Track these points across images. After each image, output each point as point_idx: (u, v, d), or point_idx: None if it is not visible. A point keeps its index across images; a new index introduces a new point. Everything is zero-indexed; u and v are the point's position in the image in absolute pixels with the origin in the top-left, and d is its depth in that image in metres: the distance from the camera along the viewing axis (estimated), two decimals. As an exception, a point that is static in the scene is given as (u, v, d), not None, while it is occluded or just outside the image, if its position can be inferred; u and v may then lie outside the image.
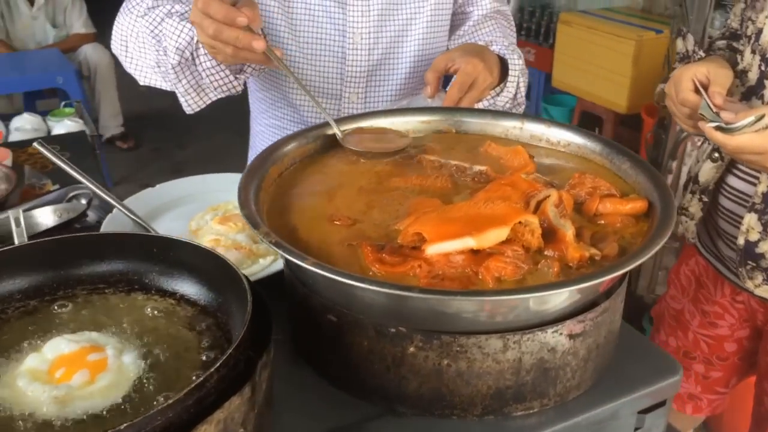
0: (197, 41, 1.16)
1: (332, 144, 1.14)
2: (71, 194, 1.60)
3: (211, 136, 5.14)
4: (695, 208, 1.50)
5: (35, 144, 1.12)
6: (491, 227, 0.82)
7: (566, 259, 0.83)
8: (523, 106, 1.46)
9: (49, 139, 2.55)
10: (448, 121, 1.20)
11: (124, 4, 1.31)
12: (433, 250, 0.81)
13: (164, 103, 5.64)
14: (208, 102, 1.27)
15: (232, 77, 1.21)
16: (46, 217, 1.50)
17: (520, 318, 0.81)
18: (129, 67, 1.33)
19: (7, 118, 3.09)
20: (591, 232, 0.89)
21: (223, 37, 1.05)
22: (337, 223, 0.93)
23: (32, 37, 4.72)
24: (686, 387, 1.69)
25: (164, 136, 5.18)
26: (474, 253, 0.82)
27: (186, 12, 1.21)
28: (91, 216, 1.57)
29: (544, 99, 4.74)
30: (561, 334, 0.82)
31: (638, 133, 4.14)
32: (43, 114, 3.23)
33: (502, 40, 1.44)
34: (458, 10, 1.52)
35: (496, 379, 0.82)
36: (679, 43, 1.60)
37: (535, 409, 0.86)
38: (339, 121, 1.17)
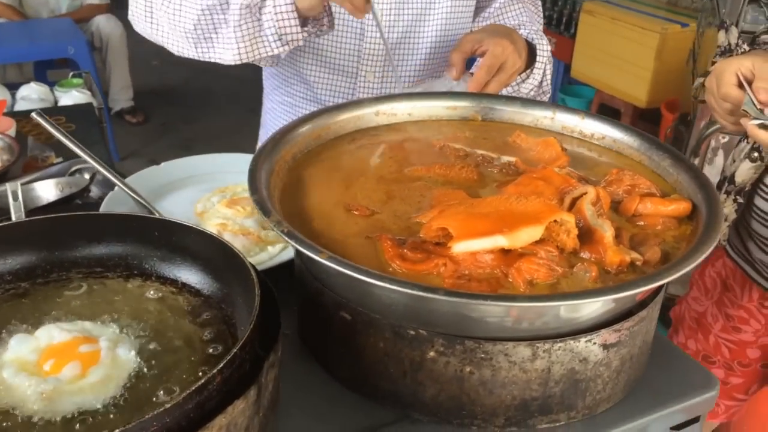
0: None
1: (350, 128, 1.07)
2: (74, 168, 1.54)
3: (221, 114, 5.07)
4: (729, 209, 1.43)
5: (33, 114, 1.05)
6: (524, 225, 0.75)
7: (604, 263, 0.76)
8: (549, 95, 1.39)
9: (55, 110, 2.49)
10: (474, 108, 1.13)
11: None
12: (460, 248, 0.74)
13: (176, 79, 5.61)
14: (257, 57, 1.20)
15: (299, 26, 1.14)
16: (47, 190, 1.44)
17: (549, 325, 0.74)
18: (154, 35, 1.25)
19: (14, 87, 3.02)
20: (630, 234, 0.82)
21: None
22: (355, 212, 0.87)
23: (45, 5, 4.64)
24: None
25: (174, 111, 5.12)
26: (504, 252, 0.75)
27: None
28: (94, 191, 1.52)
29: (562, 89, 4.64)
30: (594, 343, 0.75)
31: (657, 127, 4.06)
32: (53, 84, 3.16)
33: (530, 24, 1.37)
34: None
35: (522, 390, 0.75)
36: (721, 35, 1.51)
37: (561, 422, 0.79)
38: (354, 104, 1.09)
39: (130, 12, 1.28)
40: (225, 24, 1.18)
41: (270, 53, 1.19)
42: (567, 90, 4.65)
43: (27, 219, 0.84)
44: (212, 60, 1.22)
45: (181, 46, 1.23)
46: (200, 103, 5.26)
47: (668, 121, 3.92)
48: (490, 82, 1.18)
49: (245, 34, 1.16)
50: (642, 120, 4.22)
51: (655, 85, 3.96)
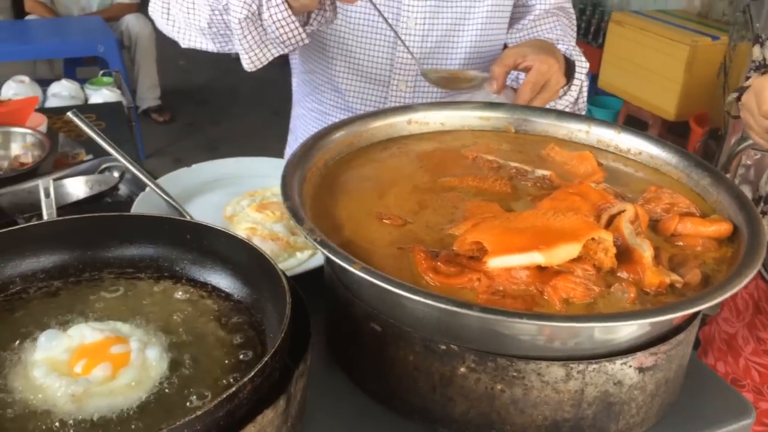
0: None
1: (382, 136, 1.07)
2: (104, 166, 1.56)
3: (247, 115, 5.10)
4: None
5: (69, 113, 1.06)
6: (561, 242, 0.73)
7: (643, 283, 0.74)
8: (584, 112, 1.37)
9: (86, 108, 2.51)
10: (508, 119, 1.11)
11: None
12: (495, 263, 0.73)
13: (202, 79, 5.66)
14: (270, 58, 1.21)
15: (300, 29, 1.14)
16: (77, 187, 1.45)
17: (584, 345, 0.72)
18: (170, 31, 1.27)
19: (45, 84, 3.06)
20: (669, 255, 0.80)
21: None
22: (387, 222, 0.86)
23: (77, 3, 4.71)
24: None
25: (200, 111, 5.16)
26: (540, 269, 0.73)
27: None
28: (123, 189, 1.53)
29: (589, 101, 4.59)
30: (630, 366, 0.73)
31: (685, 141, 4.01)
32: (82, 81, 3.20)
33: (567, 39, 1.35)
34: (519, 2, 1.43)
35: (554, 410, 0.74)
36: (756, 50, 1.48)
37: (592, 445, 0.78)
38: (387, 112, 1.09)
39: (150, 8, 1.30)
40: (218, 41, 1.20)
41: (279, 53, 1.20)
42: (594, 101, 4.61)
43: (62, 218, 0.84)
44: (233, 52, 1.24)
45: (200, 42, 1.26)
46: (225, 104, 5.30)
47: (697, 135, 3.87)
48: (533, 99, 1.16)
49: (251, 43, 1.17)
50: (670, 133, 4.17)
51: (684, 98, 3.91)
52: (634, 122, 4.24)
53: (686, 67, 3.83)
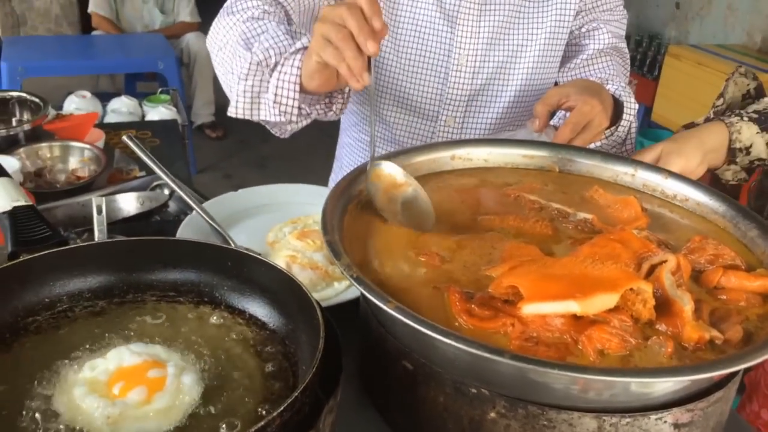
0: (292, 52, 1.08)
1: (424, 170, 1.07)
2: (155, 183, 1.61)
3: (297, 134, 5.14)
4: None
5: (124, 138, 1.10)
6: (598, 292, 0.72)
7: (682, 338, 0.73)
8: (632, 153, 1.35)
9: (142, 125, 2.60)
10: (552, 159, 1.11)
11: (228, 3, 1.25)
12: (530, 309, 0.72)
13: (255, 97, 5.78)
14: (249, 116, 1.15)
15: (297, 101, 1.10)
16: (128, 203, 1.50)
17: (618, 398, 0.71)
18: (217, 69, 1.29)
19: (105, 98, 3.18)
20: (710, 309, 0.78)
21: (347, 44, 0.93)
22: (423, 259, 0.86)
23: (140, 20, 4.89)
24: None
25: (251, 128, 5.21)
26: (575, 318, 0.73)
27: (294, 30, 1.15)
28: (172, 207, 1.57)
29: (641, 133, 4.53)
30: (665, 422, 0.72)
31: (740, 179, 3.89)
32: (141, 96, 3.31)
33: (617, 79, 1.34)
34: (573, 41, 1.42)
35: (584, 463, 0.72)
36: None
37: (622, 501, 0.76)
38: (430, 147, 1.09)
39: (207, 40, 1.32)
40: (232, 73, 1.15)
41: (267, 118, 1.14)
42: (646, 133, 4.53)
43: (110, 240, 0.87)
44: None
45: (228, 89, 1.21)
46: (277, 123, 5.39)
47: (753, 174, 3.76)
48: (573, 139, 1.16)
49: (247, 89, 1.12)
50: (724, 170, 4.06)
51: (741, 134, 3.81)
52: (688, 157, 4.15)
53: (744, 103, 3.74)
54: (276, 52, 1.10)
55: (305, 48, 1.06)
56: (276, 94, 1.09)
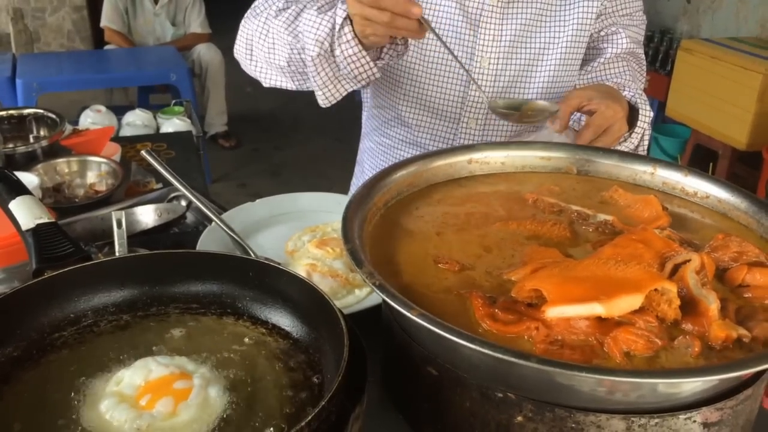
0: (338, 29, 1.13)
1: (442, 175, 1.07)
2: (172, 195, 1.62)
3: (309, 141, 5.20)
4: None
5: (143, 152, 1.11)
6: (622, 293, 0.72)
7: (708, 337, 0.72)
8: None
9: (157, 137, 2.63)
10: (569, 160, 1.10)
11: (250, 9, 1.31)
12: (554, 312, 0.72)
13: (268, 106, 5.81)
14: (344, 93, 1.24)
15: (371, 63, 1.17)
16: (147, 215, 1.51)
17: (646, 399, 0.71)
18: (253, 71, 1.33)
19: (120, 112, 3.21)
20: (736, 307, 0.78)
21: (384, 3, 1.03)
22: (443, 266, 0.86)
23: (152, 33, 4.93)
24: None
25: (265, 137, 5.29)
26: (600, 320, 0.72)
27: (322, 6, 1.20)
28: (190, 218, 1.58)
29: (656, 128, 4.50)
30: (694, 421, 0.71)
31: (757, 172, 3.86)
32: (155, 108, 3.34)
33: (633, 85, 1.33)
34: (591, 44, 1.42)
35: (613, 465, 0.72)
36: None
37: (652, 502, 0.75)
38: (447, 152, 1.09)
39: (235, 49, 1.35)
40: (296, 79, 1.24)
41: (353, 88, 1.23)
42: (660, 129, 4.51)
43: (133, 254, 0.88)
44: (312, 89, 1.28)
45: (279, 80, 1.30)
46: (289, 130, 5.42)
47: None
48: (594, 142, 1.15)
49: (325, 80, 1.20)
50: (741, 163, 4.03)
51: (757, 127, 3.78)
52: (704, 151, 4.12)
53: (759, 95, 3.71)
54: (323, 37, 1.15)
55: (347, 16, 1.12)
56: (350, 69, 1.17)
